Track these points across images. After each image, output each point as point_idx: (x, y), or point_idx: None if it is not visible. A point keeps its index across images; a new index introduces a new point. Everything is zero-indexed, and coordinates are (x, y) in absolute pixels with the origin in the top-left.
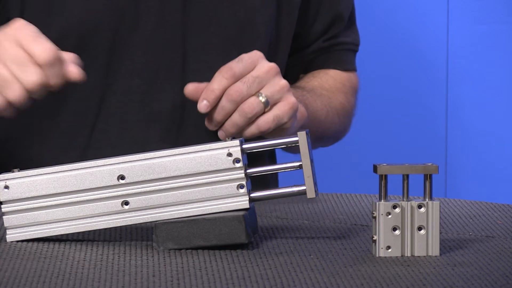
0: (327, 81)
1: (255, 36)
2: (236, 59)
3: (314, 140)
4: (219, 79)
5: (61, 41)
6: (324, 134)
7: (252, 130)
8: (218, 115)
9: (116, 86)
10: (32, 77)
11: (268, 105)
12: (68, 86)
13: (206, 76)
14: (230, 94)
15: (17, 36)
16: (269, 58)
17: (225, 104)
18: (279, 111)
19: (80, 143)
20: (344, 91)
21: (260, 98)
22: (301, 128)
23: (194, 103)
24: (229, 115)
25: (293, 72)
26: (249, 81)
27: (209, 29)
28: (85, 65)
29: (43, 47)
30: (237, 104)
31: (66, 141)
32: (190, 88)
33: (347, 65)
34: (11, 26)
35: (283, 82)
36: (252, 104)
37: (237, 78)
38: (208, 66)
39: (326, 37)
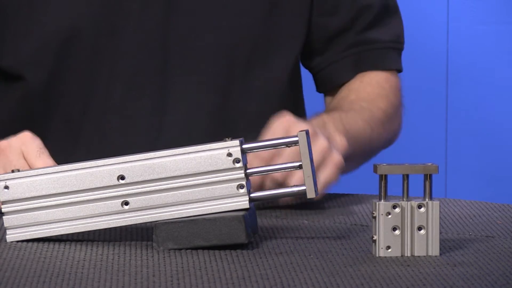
0: (365, 89)
1: (244, 41)
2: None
3: (362, 159)
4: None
5: (43, 47)
6: (372, 150)
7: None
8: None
9: (97, 91)
10: None
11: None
12: (55, 91)
13: (189, 81)
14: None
15: (23, 149)
16: (261, 60)
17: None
18: (327, 174)
19: (66, 148)
20: (384, 94)
21: None
22: (347, 158)
23: (174, 107)
24: None
25: (333, 72)
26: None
27: (193, 33)
28: (68, 71)
29: (44, 164)
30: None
31: (56, 146)
32: None
33: (380, 66)
34: (18, 138)
35: (322, 143)
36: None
37: (268, 161)
38: (192, 71)
39: (355, 30)
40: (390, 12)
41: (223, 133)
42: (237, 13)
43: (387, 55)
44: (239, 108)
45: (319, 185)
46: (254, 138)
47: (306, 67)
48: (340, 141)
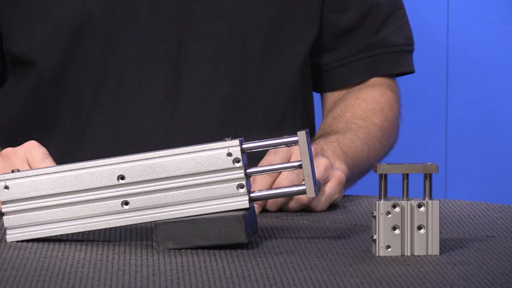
0: (360, 106)
1: (258, 29)
2: (272, 152)
3: (361, 176)
4: (262, 177)
5: (56, 32)
6: (370, 166)
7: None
8: (271, 207)
9: (110, 77)
10: None
11: (319, 187)
12: (67, 76)
13: (203, 67)
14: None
15: (28, 155)
16: (274, 50)
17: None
18: (330, 189)
19: (76, 134)
20: (380, 109)
21: None
22: (347, 180)
23: (187, 94)
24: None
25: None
26: (295, 171)
27: (208, 20)
28: (81, 56)
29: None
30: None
31: (66, 132)
32: None
33: (395, 69)
34: (24, 146)
35: (324, 160)
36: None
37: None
38: (206, 58)
39: (367, 30)
40: (398, 8)
41: (236, 120)
42: (251, 2)
43: (401, 58)
44: (251, 96)
45: (324, 198)
46: (267, 126)
47: (314, 64)
48: (340, 167)
